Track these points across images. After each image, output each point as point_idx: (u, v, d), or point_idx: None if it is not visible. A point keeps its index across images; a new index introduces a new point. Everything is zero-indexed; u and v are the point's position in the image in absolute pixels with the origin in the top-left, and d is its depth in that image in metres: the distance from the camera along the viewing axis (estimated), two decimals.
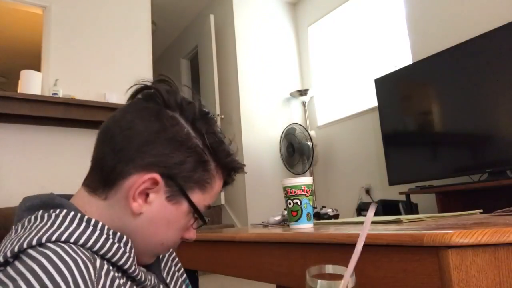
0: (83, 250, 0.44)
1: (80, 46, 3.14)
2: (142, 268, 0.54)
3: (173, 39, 5.38)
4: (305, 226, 1.04)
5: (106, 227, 0.50)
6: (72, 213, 0.49)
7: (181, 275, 0.67)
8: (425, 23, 3.12)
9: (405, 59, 3.25)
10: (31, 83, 2.76)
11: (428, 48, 2.94)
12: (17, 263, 0.40)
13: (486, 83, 2.39)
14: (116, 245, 0.49)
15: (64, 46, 3.07)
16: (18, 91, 2.75)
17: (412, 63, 2.95)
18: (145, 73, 3.43)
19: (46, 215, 0.48)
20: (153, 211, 0.53)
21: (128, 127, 0.52)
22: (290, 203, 1.06)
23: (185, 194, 0.54)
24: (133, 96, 0.57)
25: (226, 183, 0.61)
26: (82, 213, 0.49)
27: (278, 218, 1.40)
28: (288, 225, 1.13)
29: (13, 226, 0.50)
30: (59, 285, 0.39)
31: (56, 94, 2.80)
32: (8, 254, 0.41)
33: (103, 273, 0.45)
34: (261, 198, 3.75)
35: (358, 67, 3.73)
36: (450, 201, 2.57)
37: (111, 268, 0.47)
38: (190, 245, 1.22)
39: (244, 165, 0.62)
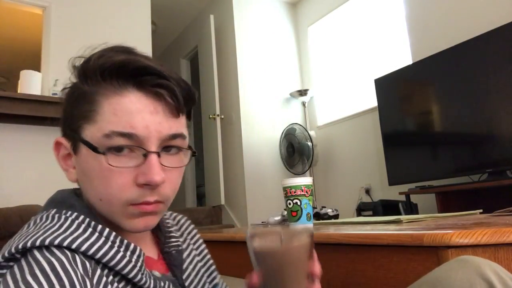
0: (80, 264, 0.44)
1: (80, 46, 3.13)
2: (156, 274, 0.53)
3: (173, 39, 5.38)
4: None
5: (113, 234, 0.49)
6: (81, 217, 0.49)
7: (210, 280, 0.66)
8: (425, 23, 3.12)
9: (405, 59, 3.25)
10: (31, 83, 2.76)
11: (428, 48, 2.94)
12: (17, 271, 0.41)
13: (486, 83, 2.39)
14: (121, 253, 0.48)
15: (64, 46, 3.07)
16: (18, 91, 2.75)
17: (412, 63, 2.95)
18: None
19: (57, 216, 0.49)
20: (78, 172, 0.53)
21: None
22: (290, 203, 1.06)
23: (74, 136, 0.50)
24: None
25: (152, 92, 0.49)
26: (91, 218, 0.50)
27: (278, 218, 1.40)
28: (288, 225, 1.13)
29: (32, 217, 0.52)
30: None
31: (56, 94, 2.80)
32: (13, 250, 0.42)
33: (101, 286, 0.45)
34: (261, 198, 3.75)
35: (358, 67, 3.73)
36: (450, 201, 2.57)
37: (111, 278, 0.47)
38: None
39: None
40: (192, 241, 0.69)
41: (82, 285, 0.42)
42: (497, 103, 2.34)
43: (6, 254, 0.42)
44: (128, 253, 0.49)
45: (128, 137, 0.47)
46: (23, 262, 0.42)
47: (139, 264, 0.49)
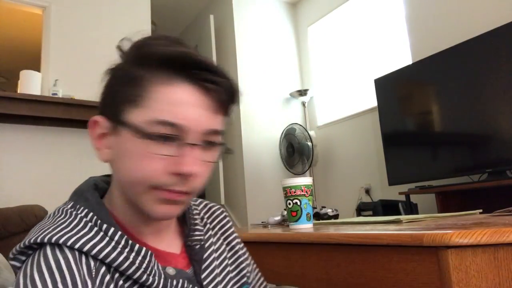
0: (83, 261, 0.46)
1: (80, 46, 3.14)
2: (170, 271, 0.53)
3: None
4: (304, 226, 1.04)
5: (118, 234, 0.49)
6: (90, 215, 0.50)
7: (238, 280, 0.62)
8: (425, 23, 3.12)
9: (405, 59, 3.25)
10: (31, 83, 2.76)
11: (428, 48, 2.94)
12: (28, 263, 0.46)
13: (486, 83, 2.39)
14: (124, 255, 0.48)
15: (64, 46, 3.07)
16: (18, 92, 2.76)
17: (412, 63, 2.95)
18: None
19: (69, 212, 0.51)
20: (113, 153, 0.52)
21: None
22: (290, 203, 1.06)
23: (117, 118, 0.50)
24: None
25: (204, 87, 0.49)
26: (101, 216, 0.51)
27: (278, 218, 1.40)
28: (288, 225, 1.13)
29: (58, 207, 0.54)
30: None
31: (56, 94, 2.80)
32: (27, 243, 0.47)
33: (103, 286, 0.47)
34: (261, 198, 3.75)
35: (358, 67, 3.73)
36: (450, 201, 2.57)
37: (117, 276, 0.48)
38: None
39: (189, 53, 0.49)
40: (224, 236, 0.66)
41: (84, 285, 0.44)
42: (497, 103, 2.34)
43: (22, 245, 0.47)
44: (133, 254, 0.49)
45: (171, 126, 0.48)
46: (35, 256, 0.46)
47: (144, 265, 0.49)
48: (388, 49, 3.47)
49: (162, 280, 0.50)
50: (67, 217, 0.50)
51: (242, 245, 0.68)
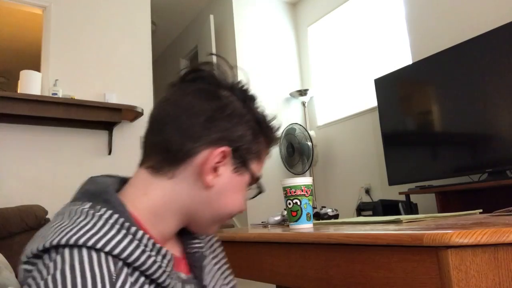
0: (110, 264, 0.45)
1: (80, 46, 3.14)
2: (182, 276, 0.55)
3: (173, 39, 5.38)
4: (305, 226, 1.04)
5: (146, 237, 0.49)
6: (115, 217, 0.49)
7: (226, 283, 0.67)
8: (425, 23, 3.12)
9: (405, 59, 3.25)
10: (31, 83, 2.76)
11: (428, 48, 2.94)
12: (51, 265, 0.43)
13: (486, 83, 2.39)
14: (152, 258, 0.49)
15: (64, 46, 3.07)
16: (18, 91, 2.75)
17: (412, 63, 2.95)
18: (145, 73, 3.43)
19: (91, 212, 0.48)
20: (222, 183, 0.56)
21: (190, 107, 0.54)
22: (290, 203, 1.06)
23: (248, 165, 0.58)
24: (182, 79, 0.60)
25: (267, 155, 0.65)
26: (125, 218, 0.49)
27: (278, 218, 1.40)
28: (288, 225, 1.13)
29: (66, 207, 0.51)
30: None
31: (56, 94, 2.80)
32: (47, 244, 0.44)
33: (127, 287, 0.45)
34: (261, 198, 3.73)
35: (358, 67, 3.73)
36: (450, 201, 2.57)
37: (140, 277, 0.48)
38: None
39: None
40: (209, 243, 0.69)
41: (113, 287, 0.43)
42: (496, 103, 2.34)
43: (41, 247, 0.44)
44: (160, 257, 0.50)
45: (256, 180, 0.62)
46: (61, 259, 0.43)
47: (169, 268, 0.51)
48: (388, 49, 3.47)
49: (180, 284, 0.53)
50: (88, 218, 0.48)
51: (222, 251, 0.71)
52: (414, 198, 2.84)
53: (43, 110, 2.65)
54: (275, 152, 3.99)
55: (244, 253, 0.98)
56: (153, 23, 3.97)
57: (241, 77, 0.65)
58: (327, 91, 4.07)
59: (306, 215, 1.05)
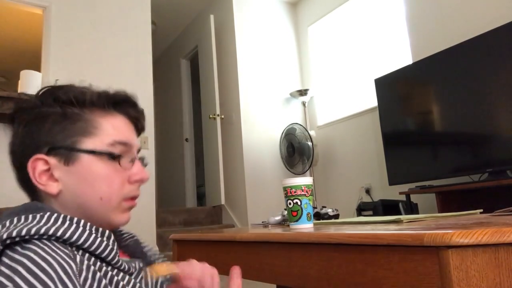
0: (63, 248, 0.47)
1: (80, 46, 3.14)
2: (125, 259, 0.57)
3: (173, 39, 5.38)
4: (305, 226, 1.04)
5: (88, 223, 0.53)
6: (56, 214, 0.52)
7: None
8: (425, 23, 3.12)
9: (405, 59, 3.25)
10: (31, 83, 2.76)
11: (428, 48, 2.94)
12: (2, 266, 0.43)
13: (486, 83, 2.39)
14: (99, 239, 0.52)
15: (64, 46, 3.07)
16: (18, 91, 2.75)
17: (412, 63, 2.95)
18: (145, 73, 3.43)
19: (30, 216, 0.51)
20: (67, 182, 0.56)
21: (16, 137, 0.60)
22: (290, 203, 1.06)
23: (73, 148, 0.56)
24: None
25: (128, 115, 0.63)
26: (63, 215, 0.52)
27: (278, 218, 1.40)
28: (288, 225, 1.13)
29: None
30: (46, 283, 0.42)
31: None
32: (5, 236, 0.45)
33: (84, 267, 0.47)
34: (261, 198, 3.75)
35: (358, 67, 3.73)
36: (450, 201, 2.57)
37: (93, 261, 0.50)
38: (190, 245, 1.22)
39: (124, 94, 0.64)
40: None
41: (74, 268, 0.45)
42: (497, 103, 2.34)
43: (5, 236, 0.45)
44: (105, 238, 0.53)
45: (124, 145, 0.59)
46: (20, 251, 0.44)
47: (115, 247, 0.54)
48: (388, 49, 3.47)
49: (125, 264, 0.55)
50: (30, 219, 0.50)
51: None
52: (414, 198, 2.84)
53: None
54: (275, 152, 3.99)
55: (244, 253, 0.98)
56: (153, 23, 3.97)
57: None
58: (327, 91, 4.07)
59: (307, 215, 1.05)
